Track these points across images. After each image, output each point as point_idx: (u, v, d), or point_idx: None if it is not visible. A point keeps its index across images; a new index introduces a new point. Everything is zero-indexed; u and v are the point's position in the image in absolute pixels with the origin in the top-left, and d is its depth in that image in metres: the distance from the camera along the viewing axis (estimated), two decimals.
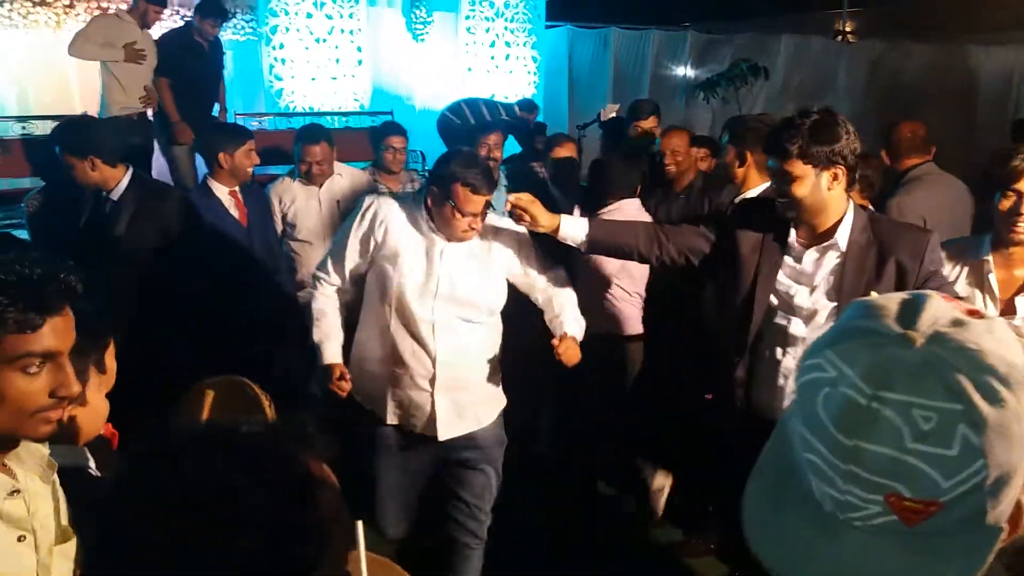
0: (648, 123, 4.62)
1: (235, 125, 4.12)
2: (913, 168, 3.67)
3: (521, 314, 2.77)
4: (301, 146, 3.90)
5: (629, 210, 3.39)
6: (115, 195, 3.28)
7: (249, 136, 3.75)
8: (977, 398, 0.66)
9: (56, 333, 1.16)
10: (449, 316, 2.55)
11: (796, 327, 2.46)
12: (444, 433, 2.64)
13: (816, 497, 0.74)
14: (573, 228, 2.63)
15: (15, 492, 1.22)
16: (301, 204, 3.94)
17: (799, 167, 2.29)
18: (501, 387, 2.78)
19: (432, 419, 2.62)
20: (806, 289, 2.43)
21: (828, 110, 2.33)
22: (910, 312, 0.72)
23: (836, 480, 0.71)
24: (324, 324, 2.67)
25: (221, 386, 1.78)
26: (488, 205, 2.51)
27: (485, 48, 9.08)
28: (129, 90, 5.72)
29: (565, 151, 4.40)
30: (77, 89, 6.55)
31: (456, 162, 2.48)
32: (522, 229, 2.66)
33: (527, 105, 7.37)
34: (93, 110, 6.08)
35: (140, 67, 5.70)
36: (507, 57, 9.18)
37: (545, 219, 2.58)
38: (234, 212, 3.69)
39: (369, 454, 2.80)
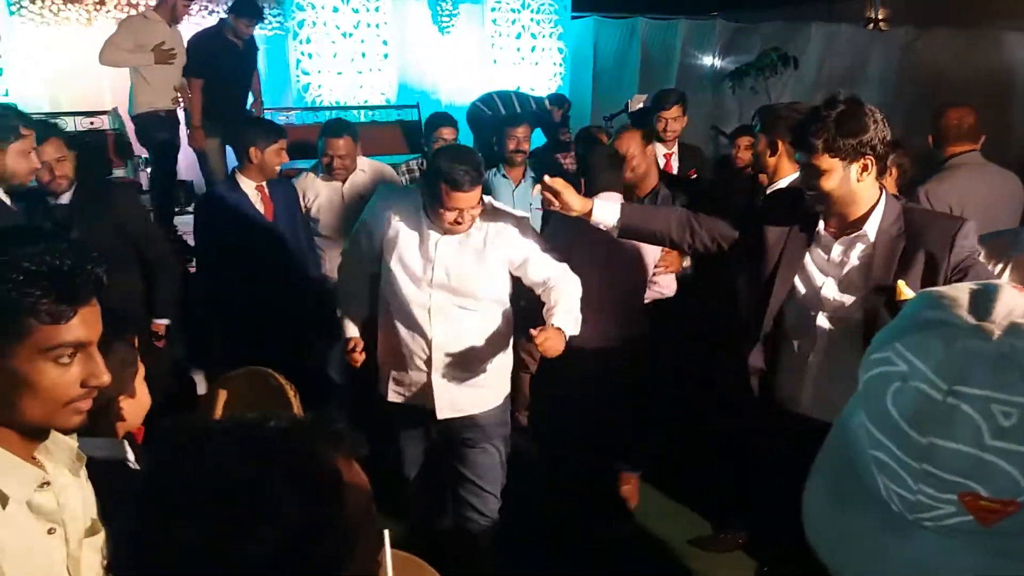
0: (672, 112, 4.55)
1: (270, 122, 4.10)
2: (956, 156, 3.59)
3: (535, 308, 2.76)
4: (324, 139, 3.90)
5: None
6: (64, 199, 3.28)
7: (282, 135, 3.75)
8: None
9: (86, 324, 1.18)
10: (445, 302, 2.63)
11: (821, 319, 2.43)
12: (442, 412, 2.73)
13: (883, 496, 0.70)
14: (605, 213, 2.63)
15: (45, 484, 1.22)
16: (324, 200, 3.93)
17: (826, 161, 2.25)
18: (508, 374, 2.84)
19: (431, 397, 2.72)
20: (833, 280, 2.40)
21: (854, 99, 2.27)
22: (983, 303, 0.69)
23: (907, 479, 0.68)
24: (343, 297, 2.87)
25: (245, 377, 1.79)
26: (480, 200, 2.55)
27: (511, 40, 9.03)
28: (157, 89, 5.74)
29: None
30: (108, 85, 6.61)
31: (442, 159, 2.51)
32: (524, 221, 2.72)
33: (557, 99, 7.33)
34: (124, 106, 6.14)
35: (169, 66, 5.72)
36: (533, 49, 9.12)
37: (577, 203, 2.61)
38: (260, 207, 3.69)
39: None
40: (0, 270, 1.11)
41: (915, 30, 9.41)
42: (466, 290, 2.62)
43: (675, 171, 4.55)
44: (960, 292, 0.71)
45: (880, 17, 10.17)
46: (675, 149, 4.65)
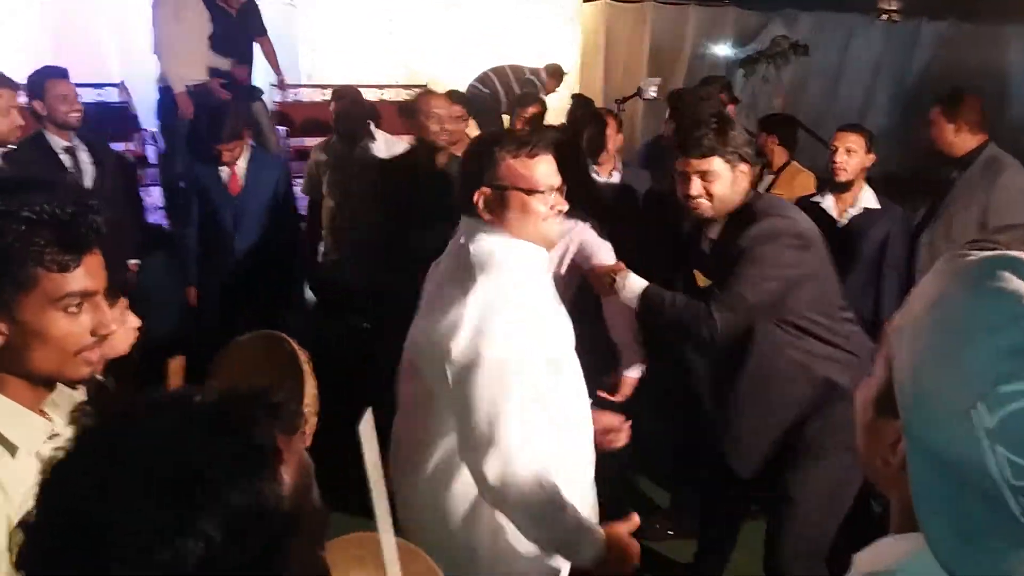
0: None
1: None
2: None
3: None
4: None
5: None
6: None
7: None
8: None
9: (91, 272, 1.17)
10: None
11: None
12: None
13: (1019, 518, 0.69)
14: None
15: (53, 436, 1.21)
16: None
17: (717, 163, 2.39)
18: None
19: None
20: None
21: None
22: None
23: None
24: None
25: (257, 341, 1.76)
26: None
27: (522, 21, 8.93)
28: (191, 62, 5.51)
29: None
30: (115, 56, 6.56)
31: (483, 143, 1.89)
32: None
33: (554, 70, 7.25)
34: (131, 77, 6.08)
35: (195, 35, 5.50)
36: (543, 32, 9.03)
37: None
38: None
39: None
40: (2, 221, 1.10)
41: (929, 23, 9.35)
42: None
43: None
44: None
45: (893, 8, 10.09)
46: None
